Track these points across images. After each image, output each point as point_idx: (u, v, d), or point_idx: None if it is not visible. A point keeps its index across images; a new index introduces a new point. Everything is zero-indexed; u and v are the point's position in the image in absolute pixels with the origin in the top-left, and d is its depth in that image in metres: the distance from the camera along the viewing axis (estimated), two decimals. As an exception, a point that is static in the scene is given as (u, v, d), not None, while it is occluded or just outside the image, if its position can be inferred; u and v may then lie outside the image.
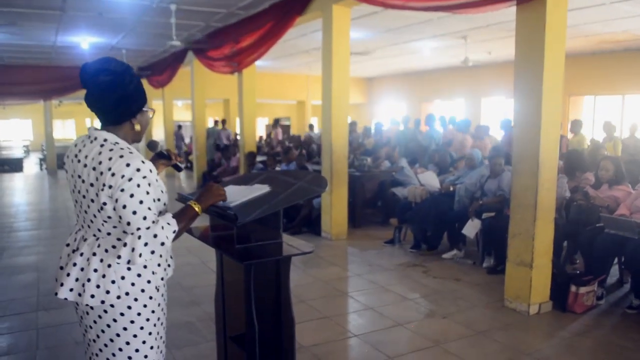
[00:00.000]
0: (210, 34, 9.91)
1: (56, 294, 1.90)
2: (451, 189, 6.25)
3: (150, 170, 1.86)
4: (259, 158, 10.26)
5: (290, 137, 14.32)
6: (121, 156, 1.81)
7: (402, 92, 18.62)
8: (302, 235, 7.24)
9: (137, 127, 1.97)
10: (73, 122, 29.74)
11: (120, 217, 1.80)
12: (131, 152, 1.86)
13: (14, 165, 17.81)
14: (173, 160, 2.18)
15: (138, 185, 1.79)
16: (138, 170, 1.80)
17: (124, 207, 1.78)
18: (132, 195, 1.78)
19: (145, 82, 15.05)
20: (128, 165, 1.79)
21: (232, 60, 9.48)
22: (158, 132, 19.56)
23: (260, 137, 15.05)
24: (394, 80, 18.84)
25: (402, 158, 8.23)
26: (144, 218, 1.80)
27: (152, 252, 1.82)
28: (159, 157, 2.19)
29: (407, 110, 18.04)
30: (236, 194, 2.30)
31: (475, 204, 5.75)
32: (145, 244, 1.80)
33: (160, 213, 1.92)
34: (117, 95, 1.87)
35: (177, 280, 5.18)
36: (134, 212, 1.78)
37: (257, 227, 2.29)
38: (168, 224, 1.86)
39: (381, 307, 4.53)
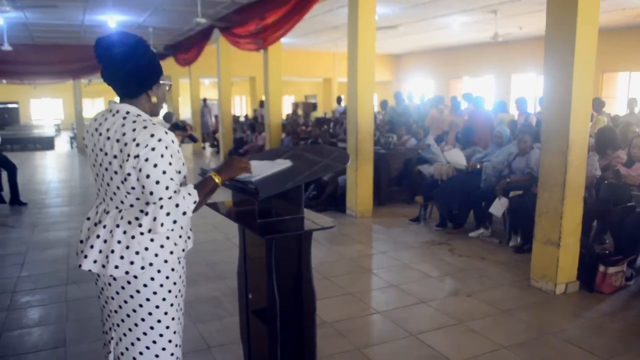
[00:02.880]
0: (236, 11, 9.85)
1: (80, 266, 1.93)
2: (478, 166, 6.15)
3: (173, 141, 1.88)
4: (283, 136, 10.29)
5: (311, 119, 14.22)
6: (145, 127, 1.83)
7: (430, 69, 18.33)
8: (327, 213, 7.24)
9: (154, 99, 1.99)
10: (102, 100, 30.19)
11: (143, 187, 1.83)
12: (154, 124, 1.88)
13: (46, 144, 18.23)
14: (188, 131, 2.19)
15: (162, 156, 1.81)
16: (161, 140, 1.82)
17: (148, 176, 1.80)
18: (155, 165, 1.80)
19: (172, 60, 15.16)
20: (152, 135, 1.81)
21: (257, 37, 9.44)
22: (185, 110, 19.73)
23: (288, 115, 14.99)
24: (422, 57, 18.55)
25: (429, 135, 8.12)
26: (167, 188, 1.82)
27: (174, 222, 1.85)
28: (175, 128, 2.21)
29: (435, 87, 17.79)
30: (258, 169, 2.30)
31: (503, 182, 5.66)
32: (168, 214, 1.82)
33: (181, 184, 1.94)
34: (131, 67, 1.89)
35: (203, 256, 5.25)
36: (157, 182, 1.81)
37: (278, 202, 2.29)
38: (189, 194, 1.88)
39: (405, 284, 4.52)
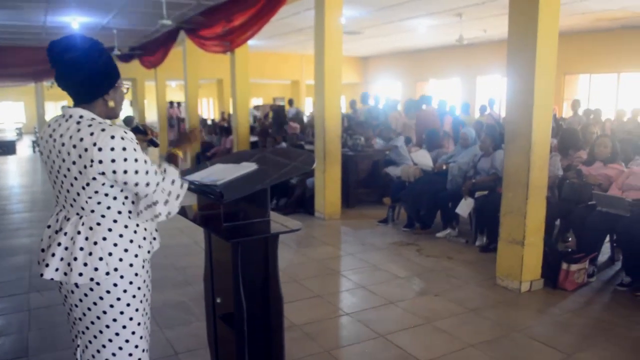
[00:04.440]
0: (203, 13, 9.74)
1: (42, 275, 1.89)
2: (444, 167, 6.23)
3: (132, 138, 1.87)
4: (252, 138, 10.22)
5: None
6: (103, 130, 1.80)
7: (397, 72, 18.51)
8: (296, 215, 7.23)
9: (111, 104, 1.94)
10: (65, 103, 29.41)
11: (136, 184, 1.85)
12: (110, 125, 1.85)
13: (7, 148, 17.67)
14: (149, 135, 2.16)
15: (134, 149, 1.82)
16: (123, 138, 1.80)
17: (136, 172, 1.82)
18: (136, 160, 1.82)
19: (137, 63, 14.92)
20: (113, 137, 1.78)
21: (224, 39, 9.36)
22: (151, 114, 19.44)
23: (255, 118, 14.94)
24: (389, 60, 18.71)
25: (398, 137, 8.15)
26: (155, 172, 1.89)
27: (178, 196, 1.97)
28: (135, 132, 2.16)
29: (403, 89, 17.97)
30: (223, 172, 2.28)
31: (468, 183, 5.75)
32: (169, 193, 1.93)
33: None
34: (85, 73, 1.84)
35: (170, 261, 5.17)
36: (147, 172, 1.85)
37: (244, 205, 2.26)
38: (173, 172, 1.98)
39: (373, 285, 4.54)
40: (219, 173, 2.23)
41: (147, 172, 1.85)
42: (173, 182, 1.95)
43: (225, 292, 2.45)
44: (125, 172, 1.81)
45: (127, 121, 2.11)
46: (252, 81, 20.96)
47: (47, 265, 1.88)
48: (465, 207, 5.70)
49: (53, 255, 1.87)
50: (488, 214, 5.32)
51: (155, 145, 2.20)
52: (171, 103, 16.81)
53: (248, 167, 2.32)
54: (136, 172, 1.82)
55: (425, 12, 10.18)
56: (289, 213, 7.32)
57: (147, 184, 1.86)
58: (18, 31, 11.85)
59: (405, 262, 5.18)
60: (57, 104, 28.49)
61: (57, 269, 1.87)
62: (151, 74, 15.54)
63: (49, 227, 1.99)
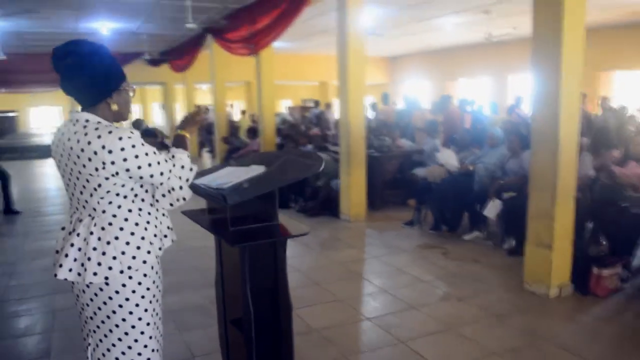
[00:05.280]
0: (228, 16, 9.80)
1: (55, 275, 1.92)
2: (470, 168, 6.08)
3: (138, 136, 1.88)
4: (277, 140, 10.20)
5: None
6: (110, 132, 1.82)
7: (425, 71, 18.26)
8: (321, 217, 7.18)
9: (114, 107, 1.95)
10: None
11: (151, 175, 1.89)
12: (117, 127, 1.89)
13: (43, 152, 18.14)
14: (159, 138, 2.14)
15: (142, 144, 1.85)
16: (130, 137, 1.83)
17: (149, 165, 1.87)
18: (146, 154, 1.85)
19: (167, 67, 15.13)
20: (120, 138, 1.81)
21: (249, 42, 9.37)
22: (181, 117, 19.65)
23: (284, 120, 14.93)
24: (417, 59, 18.47)
25: (434, 139, 7.92)
26: (166, 161, 1.93)
27: (187, 180, 2.02)
28: (146, 135, 2.16)
29: (431, 89, 17.73)
30: (232, 176, 2.24)
31: (496, 184, 5.59)
32: (180, 177, 1.98)
33: None
34: (85, 76, 1.86)
35: (193, 263, 5.19)
36: (158, 163, 1.89)
37: (252, 209, 2.22)
38: (181, 158, 2.02)
39: (396, 289, 4.44)
40: (227, 176, 2.19)
41: (159, 163, 1.90)
42: (183, 167, 2.00)
43: (235, 296, 2.41)
44: (139, 167, 1.85)
45: (137, 124, 2.11)
46: (281, 83, 21.12)
47: (60, 266, 1.91)
48: (492, 209, 5.54)
49: (66, 256, 1.91)
50: (516, 216, 5.15)
51: (167, 148, 2.17)
52: (207, 108, 16.93)
53: (256, 170, 2.27)
54: (149, 165, 1.87)
55: (452, 10, 9.99)
56: (314, 215, 7.28)
57: (162, 174, 1.91)
58: (50, 37, 12.09)
59: (430, 265, 5.07)
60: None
61: (70, 270, 1.90)
62: (180, 78, 15.74)
63: (63, 229, 2.03)
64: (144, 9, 9.21)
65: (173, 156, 2.01)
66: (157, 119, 26.59)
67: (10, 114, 26.87)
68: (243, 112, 16.80)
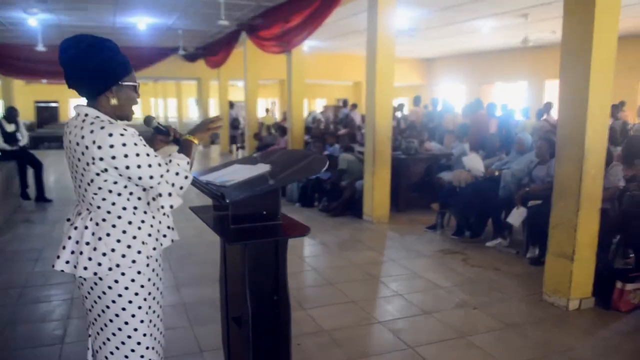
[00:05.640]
0: (262, 14, 9.87)
1: (53, 266, 1.96)
2: (496, 173, 5.95)
3: (133, 133, 1.86)
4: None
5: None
6: (102, 127, 1.82)
7: (461, 74, 18.00)
8: (344, 218, 7.16)
9: (114, 102, 1.93)
10: (139, 101, 30.76)
11: (140, 177, 1.86)
12: (111, 123, 1.88)
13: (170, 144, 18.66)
14: (171, 136, 2.13)
15: (135, 144, 1.83)
16: (122, 135, 1.81)
17: (139, 166, 1.83)
18: (137, 154, 1.83)
19: (202, 63, 15.33)
20: (111, 135, 1.80)
21: (281, 40, 9.42)
22: (216, 113, 19.88)
23: (314, 119, 14.95)
24: (453, 62, 18.22)
25: (462, 143, 7.78)
26: (159, 165, 1.88)
27: (181, 188, 1.96)
28: (157, 132, 2.15)
29: (467, 92, 17.46)
30: (237, 173, 2.24)
31: (522, 191, 5.45)
32: (173, 184, 1.93)
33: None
34: (83, 69, 1.87)
35: (212, 257, 5.20)
36: (149, 165, 1.85)
37: (255, 207, 2.22)
38: (178, 164, 1.96)
39: (410, 294, 4.39)
40: (232, 174, 2.19)
41: (149, 165, 1.86)
42: (177, 173, 1.94)
43: (237, 294, 2.41)
44: (127, 167, 1.83)
45: (147, 121, 2.10)
46: (315, 82, 21.13)
47: (57, 257, 1.94)
48: (517, 217, 5.41)
49: (64, 248, 1.94)
50: (541, 225, 5.01)
51: (179, 144, 2.14)
52: (231, 103, 17.05)
53: (262, 168, 2.27)
54: (138, 166, 1.84)
55: (489, 13, 9.82)
56: (337, 215, 7.27)
57: (151, 177, 1.87)
58: (89, 31, 12.31)
59: (449, 271, 4.99)
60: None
61: (67, 262, 1.94)
62: (215, 74, 15.94)
63: (68, 220, 2.06)
64: (179, 4, 9.36)
65: (170, 161, 1.96)
66: (192, 114, 27.02)
67: (52, 104, 27.73)
68: (267, 110, 16.89)
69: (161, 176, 1.89)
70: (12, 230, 6.45)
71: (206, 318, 3.88)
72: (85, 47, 1.86)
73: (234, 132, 15.54)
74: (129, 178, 1.87)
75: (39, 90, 25.20)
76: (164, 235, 2.08)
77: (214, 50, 14.01)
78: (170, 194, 1.92)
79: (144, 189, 1.96)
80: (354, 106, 13.80)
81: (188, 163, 1.99)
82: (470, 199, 5.95)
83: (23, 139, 8.11)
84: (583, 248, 3.99)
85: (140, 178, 1.86)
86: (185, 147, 2.07)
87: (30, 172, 8.19)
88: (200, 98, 17.96)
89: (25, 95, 21.95)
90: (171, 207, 1.94)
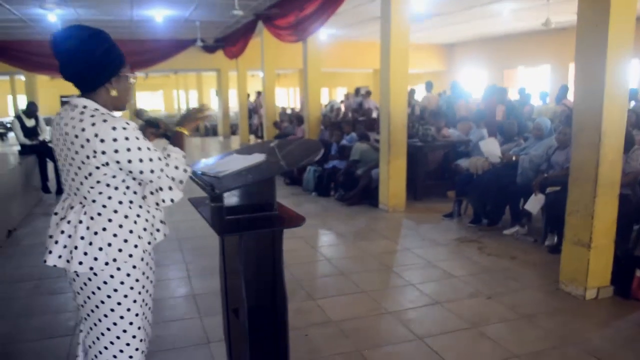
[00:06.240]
0: (277, 3, 9.81)
1: (45, 261, 1.93)
2: (513, 159, 5.81)
3: (134, 127, 1.86)
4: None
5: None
6: (104, 120, 1.81)
7: (483, 59, 17.64)
8: (360, 207, 7.10)
9: (113, 93, 1.93)
10: (161, 93, 31.17)
11: (141, 172, 1.86)
12: (113, 116, 1.87)
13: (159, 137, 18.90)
14: (162, 129, 2.11)
15: (137, 138, 1.83)
16: (125, 128, 1.81)
17: (141, 160, 1.84)
18: (139, 148, 1.83)
19: (221, 54, 15.34)
20: (114, 128, 1.79)
21: (296, 28, 9.35)
22: (233, 105, 19.93)
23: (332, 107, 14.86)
24: (475, 46, 17.87)
25: (480, 129, 7.59)
26: (159, 159, 1.88)
27: (181, 182, 1.97)
28: (148, 125, 2.13)
29: (489, 77, 17.13)
30: (232, 163, 2.20)
31: (540, 177, 5.31)
32: (173, 178, 1.93)
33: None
34: (83, 62, 1.85)
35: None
36: (151, 159, 1.85)
37: (250, 198, 2.18)
38: (176, 158, 1.97)
39: (423, 283, 4.32)
40: (227, 164, 2.16)
41: (151, 160, 1.86)
42: (177, 167, 1.95)
43: (235, 286, 2.39)
44: (129, 161, 1.83)
45: (138, 114, 2.09)
46: (336, 70, 20.95)
47: (50, 252, 1.92)
48: (535, 204, 5.28)
49: (56, 242, 1.91)
50: (559, 212, 4.86)
51: (169, 138, 2.14)
52: (259, 93, 17.01)
53: (257, 158, 2.23)
54: (140, 160, 1.84)
55: (509, -6, 9.58)
56: (353, 204, 7.21)
57: (152, 171, 1.87)
58: (107, 25, 12.48)
59: (464, 260, 4.90)
60: (154, 93, 30.28)
61: (59, 256, 1.91)
62: (234, 65, 15.93)
63: (55, 214, 2.02)
64: (194, -5, 9.34)
65: (169, 155, 1.96)
66: (214, 105, 27.15)
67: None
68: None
69: (161, 170, 1.89)
70: (31, 224, 6.57)
71: (215, 309, 3.85)
72: (87, 38, 1.85)
73: (250, 121, 15.56)
74: (130, 172, 1.87)
75: (64, 85, 25.16)
76: (157, 230, 2.07)
77: (232, 41, 14.01)
78: (170, 188, 1.92)
79: (140, 184, 1.95)
80: (368, 93, 13.66)
81: (184, 156, 2.00)
82: (487, 186, 5.83)
83: (43, 133, 8.24)
84: (600, 235, 3.87)
85: (141, 172, 1.86)
86: (177, 140, 2.06)
87: (50, 165, 8.32)
88: (220, 89, 18.00)
89: (51, 90, 22.29)
90: (172, 200, 1.94)
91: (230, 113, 18.69)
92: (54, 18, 10.56)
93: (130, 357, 2.01)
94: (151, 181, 1.90)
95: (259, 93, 17.77)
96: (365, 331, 3.51)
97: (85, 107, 1.87)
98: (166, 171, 1.90)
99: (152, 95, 30.63)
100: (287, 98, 28.35)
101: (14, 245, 5.66)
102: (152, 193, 1.93)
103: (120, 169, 1.86)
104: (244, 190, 2.15)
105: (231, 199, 2.18)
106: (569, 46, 13.97)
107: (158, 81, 28.70)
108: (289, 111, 15.82)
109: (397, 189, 6.79)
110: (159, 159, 1.89)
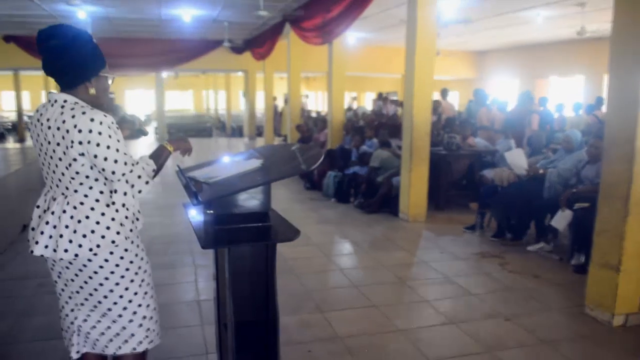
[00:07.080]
0: (304, 5, 9.69)
1: (32, 252, 2.01)
2: (541, 172, 5.53)
3: (112, 122, 1.96)
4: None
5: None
6: (84, 112, 1.91)
7: (514, 68, 17.22)
8: (379, 215, 6.90)
9: (92, 91, 2.03)
10: (191, 93, 31.46)
11: (103, 169, 1.93)
12: (92, 109, 1.96)
13: (135, 133, 19.10)
14: (137, 126, 2.03)
15: (109, 136, 1.92)
16: (102, 123, 1.90)
17: (105, 159, 1.91)
18: (108, 147, 1.90)
19: (249, 55, 15.32)
20: (92, 120, 1.89)
21: (323, 30, 9.21)
22: (259, 106, 19.91)
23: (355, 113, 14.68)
24: (506, 54, 17.46)
25: (508, 139, 7.31)
26: (125, 163, 1.96)
27: (140, 192, 2.06)
28: (122, 122, 2.07)
29: (520, 86, 16.71)
30: (227, 169, 2.05)
31: (568, 192, 5.03)
32: (132, 186, 2.04)
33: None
34: (67, 60, 1.94)
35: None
36: (115, 161, 1.92)
37: (242, 207, 2.02)
38: (147, 164, 2.06)
39: (438, 300, 4.10)
40: (219, 170, 2.01)
41: (115, 161, 1.92)
42: (139, 177, 2.03)
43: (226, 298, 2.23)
44: (95, 156, 1.91)
45: (115, 110, 2.02)
46: (365, 75, 20.75)
47: (36, 243, 1.99)
48: (562, 220, 5.01)
49: (42, 233, 1.99)
50: (588, 229, 4.59)
51: (144, 134, 2.09)
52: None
53: (252, 164, 2.07)
54: (105, 159, 1.91)
55: (543, 2, 9.25)
56: (372, 212, 7.01)
57: (113, 172, 1.94)
58: (137, 23, 12.59)
59: (483, 276, 4.66)
60: (183, 92, 30.59)
61: (46, 246, 1.99)
62: (261, 66, 15.89)
63: (38, 207, 2.10)
64: (221, -4, 9.29)
65: (137, 162, 2.03)
66: (242, 106, 27.24)
67: (109, 95, 28.62)
68: (286, 102, 16.64)
69: (123, 175, 1.96)
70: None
71: (219, 317, 3.74)
72: (72, 37, 1.95)
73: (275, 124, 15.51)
74: (96, 166, 1.93)
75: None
76: (137, 219, 2.12)
77: (259, 42, 13.95)
78: (125, 193, 2.04)
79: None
80: (386, 99, 13.45)
81: (154, 170, 2.09)
82: (512, 199, 5.57)
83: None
84: (631, 258, 3.60)
85: (103, 169, 1.93)
86: (158, 151, 2.16)
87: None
88: (247, 90, 17.99)
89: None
90: (123, 205, 2.03)
91: (257, 114, 18.67)
92: (83, 15, 10.65)
93: (144, 317, 2.13)
94: (111, 180, 1.97)
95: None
96: (372, 350, 3.32)
97: (65, 101, 1.96)
98: (127, 176, 1.98)
99: (182, 95, 30.97)
100: (315, 101, 28.28)
101: (26, 241, 5.61)
102: (110, 192, 2.03)
103: (83, 164, 1.93)
104: (237, 198, 2.00)
105: (223, 206, 2.02)
106: (604, 56, 13.55)
107: (188, 81, 28.96)
108: (314, 114, 15.67)
109: (418, 198, 6.57)
110: (125, 163, 1.95)
